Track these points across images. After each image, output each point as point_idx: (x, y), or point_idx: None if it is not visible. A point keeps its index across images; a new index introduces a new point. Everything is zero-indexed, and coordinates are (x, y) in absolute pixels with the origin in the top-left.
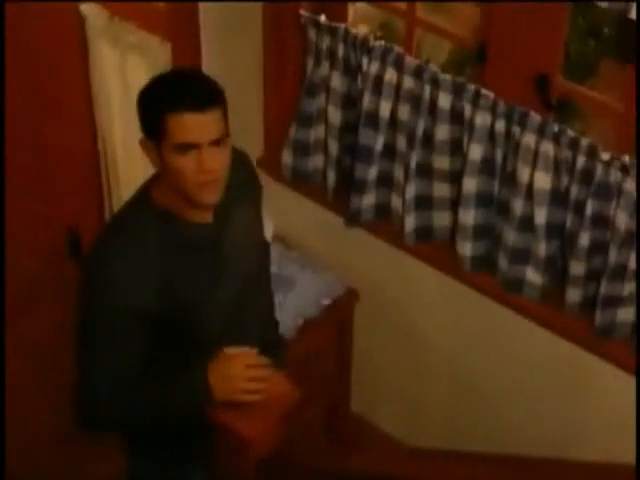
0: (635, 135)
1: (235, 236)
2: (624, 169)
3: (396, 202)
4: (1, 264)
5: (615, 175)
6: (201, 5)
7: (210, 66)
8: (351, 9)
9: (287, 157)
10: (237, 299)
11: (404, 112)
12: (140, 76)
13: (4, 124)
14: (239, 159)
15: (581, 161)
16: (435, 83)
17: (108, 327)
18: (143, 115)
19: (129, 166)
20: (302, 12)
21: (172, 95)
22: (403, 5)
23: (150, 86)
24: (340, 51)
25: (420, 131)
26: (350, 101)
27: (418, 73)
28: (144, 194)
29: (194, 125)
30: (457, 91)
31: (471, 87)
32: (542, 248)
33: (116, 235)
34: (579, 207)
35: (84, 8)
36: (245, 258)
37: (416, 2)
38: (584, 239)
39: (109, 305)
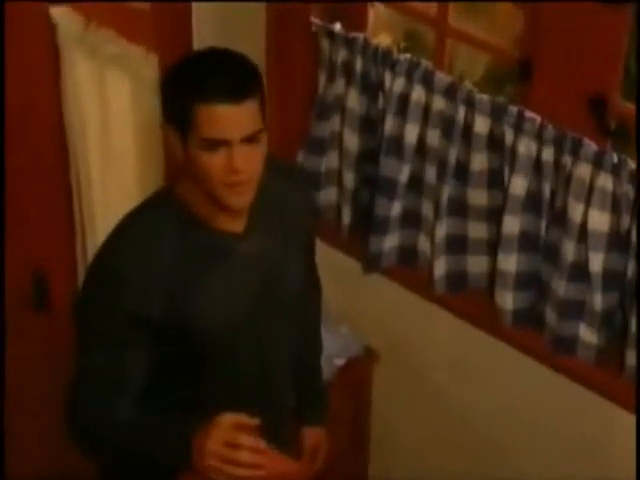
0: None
1: (268, 255)
2: None
3: (424, 244)
4: None
5: None
6: (194, 9)
7: None
8: (371, 16)
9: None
10: (258, 326)
11: (434, 138)
12: (121, 94)
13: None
14: (292, 172)
15: None
16: (470, 104)
17: (106, 329)
18: (168, 100)
19: (107, 202)
20: (313, 20)
21: (204, 82)
22: (432, 10)
23: (179, 67)
24: (358, 65)
25: (452, 160)
26: (369, 124)
27: (450, 92)
28: (167, 190)
29: (226, 119)
30: (496, 113)
31: (513, 109)
32: (598, 301)
33: (129, 233)
34: None
35: (55, 13)
36: (276, 284)
37: (449, 2)
38: None
39: (110, 306)
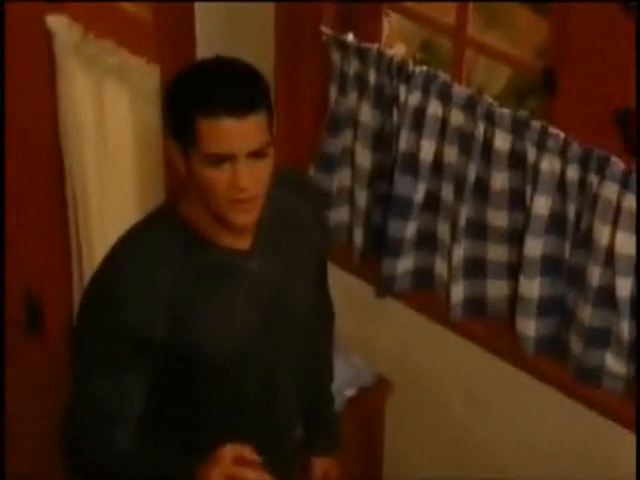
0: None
1: (276, 275)
2: None
3: (440, 267)
4: None
5: None
6: (198, 18)
7: None
8: (385, 25)
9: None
10: (265, 351)
11: (451, 154)
12: (120, 107)
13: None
14: (306, 186)
15: None
16: (490, 118)
17: (104, 353)
18: (170, 113)
19: (105, 222)
20: (324, 29)
21: (207, 94)
22: (450, 20)
23: (182, 78)
24: (371, 77)
25: (471, 178)
26: (383, 140)
27: (469, 106)
28: (170, 205)
29: (231, 133)
30: (518, 129)
31: (536, 124)
32: (625, 328)
33: (130, 250)
34: None
35: (51, 22)
36: (285, 306)
37: (469, 1)
38: None
39: (109, 328)
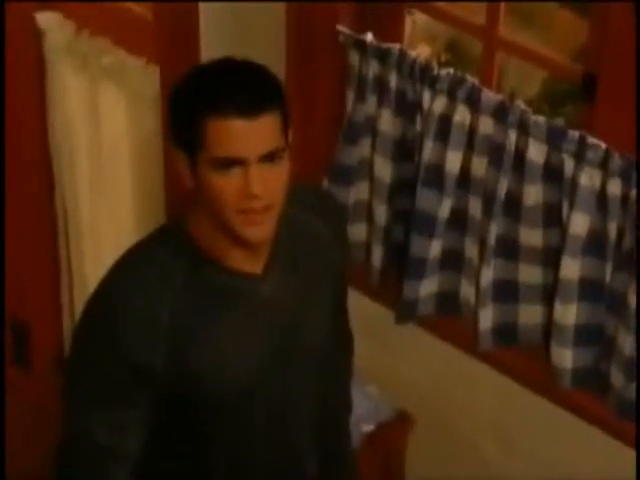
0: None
1: (290, 302)
2: None
3: (467, 290)
4: None
5: None
6: (202, 15)
7: None
8: (408, 24)
9: None
10: (276, 384)
11: (480, 166)
12: (117, 112)
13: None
14: (323, 202)
15: None
16: (523, 127)
17: (100, 385)
18: (174, 115)
19: (98, 239)
20: (341, 28)
21: (215, 92)
22: (480, 18)
23: (187, 78)
24: (392, 81)
25: (502, 193)
26: (405, 150)
27: (500, 113)
28: (174, 223)
29: (241, 134)
30: (554, 138)
31: (574, 134)
32: None
33: (129, 272)
34: None
35: (42, 19)
36: (299, 335)
37: (501, 1)
38: None
39: (106, 358)
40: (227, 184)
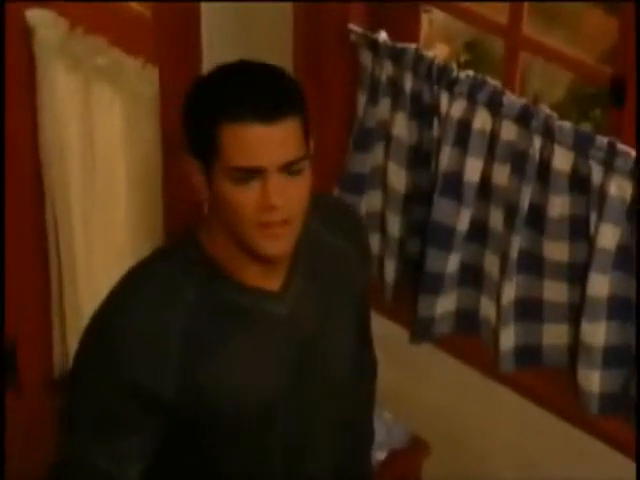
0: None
1: (310, 321)
2: None
3: (487, 308)
4: None
5: None
6: (204, 13)
7: None
8: (425, 23)
9: None
10: (293, 410)
11: (501, 175)
12: (112, 116)
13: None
14: (347, 218)
15: None
16: (548, 133)
17: (102, 410)
18: (188, 121)
19: (91, 253)
20: (352, 27)
21: (231, 97)
22: (502, 17)
23: (203, 82)
24: (408, 84)
25: (525, 204)
26: (421, 157)
27: (523, 118)
28: (187, 235)
29: (259, 142)
30: (581, 145)
31: (602, 140)
32: None
33: (137, 289)
34: None
35: (32, 15)
36: (318, 357)
37: (524, 1)
38: None
39: (108, 380)
40: (244, 195)
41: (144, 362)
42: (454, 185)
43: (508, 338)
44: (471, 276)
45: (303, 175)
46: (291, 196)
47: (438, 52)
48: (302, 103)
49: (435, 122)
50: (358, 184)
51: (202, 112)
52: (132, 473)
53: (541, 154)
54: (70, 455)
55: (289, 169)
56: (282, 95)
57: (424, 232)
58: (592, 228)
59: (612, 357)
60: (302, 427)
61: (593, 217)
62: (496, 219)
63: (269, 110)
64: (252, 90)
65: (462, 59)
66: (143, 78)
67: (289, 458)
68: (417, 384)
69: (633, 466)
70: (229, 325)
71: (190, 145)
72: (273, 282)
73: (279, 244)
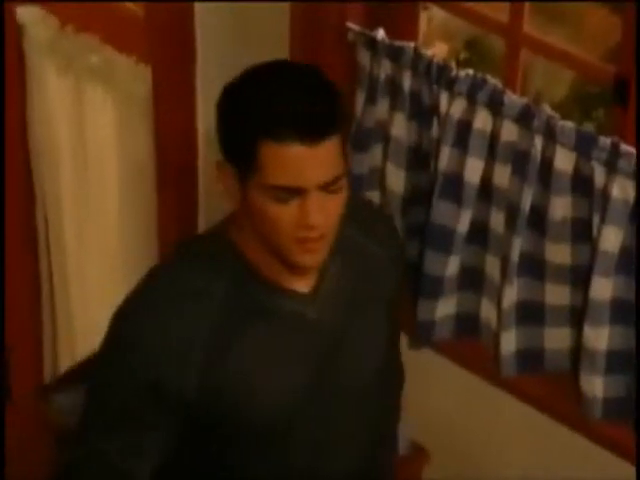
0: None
1: (338, 325)
2: None
3: (488, 312)
4: None
5: None
6: (198, 10)
7: (209, 103)
8: (423, 21)
9: None
10: (318, 414)
11: (502, 176)
12: (104, 115)
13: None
14: (382, 225)
15: None
16: (550, 133)
17: (120, 403)
18: (224, 126)
19: (83, 258)
20: (350, 25)
21: (274, 113)
22: (503, 15)
23: (242, 86)
24: (406, 83)
25: (526, 205)
26: (420, 158)
27: (524, 117)
28: (219, 231)
29: (302, 163)
30: (583, 146)
31: (605, 141)
32: None
33: (165, 282)
34: None
35: (23, 14)
36: (345, 362)
37: (525, 1)
38: None
39: (129, 376)
40: (283, 212)
41: (167, 361)
42: (454, 186)
43: (509, 342)
44: (471, 279)
45: (341, 191)
46: (329, 213)
47: (437, 51)
48: (344, 117)
49: (434, 122)
50: (356, 185)
51: (241, 124)
52: (143, 470)
53: (543, 155)
54: (84, 448)
55: (328, 187)
56: (327, 113)
57: (423, 234)
58: (595, 230)
59: (615, 362)
60: (323, 430)
61: (596, 219)
62: (497, 221)
63: (313, 131)
64: (294, 108)
65: (462, 58)
66: (136, 77)
67: (308, 461)
68: (416, 390)
69: (635, 472)
70: (256, 325)
71: (225, 152)
72: (304, 284)
73: (314, 256)
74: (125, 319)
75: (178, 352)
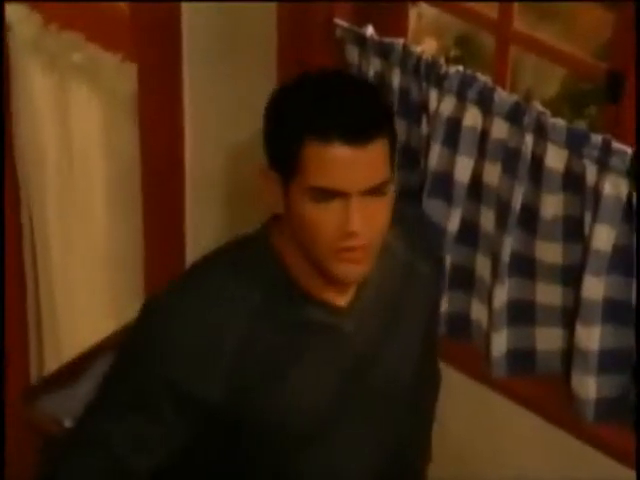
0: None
1: (374, 340)
2: None
3: (478, 312)
4: None
5: None
6: (185, 9)
7: (195, 101)
8: (413, 17)
9: None
10: (346, 428)
11: (493, 174)
12: (88, 113)
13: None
14: (426, 234)
15: None
16: (541, 131)
17: (136, 392)
18: (270, 133)
19: (68, 254)
20: (338, 22)
21: (317, 112)
22: (492, 11)
23: (288, 92)
24: (395, 80)
25: (517, 204)
26: (409, 156)
27: (515, 115)
28: (261, 236)
29: (345, 164)
30: (575, 143)
31: (597, 138)
32: None
33: (199, 286)
34: None
35: (7, 11)
36: (379, 377)
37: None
38: None
39: (151, 374)
40: (323, 217)
41: (190, 363)
42: (444, 185)
43: (500, 343)
44: (462, 279)
45: (386, 198)
46: (372, 221)
47: (427, 47)
48: (391, 125)
49: (424, 120)
50: None
51: (286, 125)
52: (141, 465)
53: (533, 152)
54: (90, 428)
55: (372, 194)
56: (371, 116)
57: None
58: (586, 229)
59: (608, 362)
60: (351, 445)
61: (587, 217)
62: (487, 220)
63: (357, 132)
64: (340, 108)
65: (451, 54)
66: (121, 75)
67: (338, 461)
68: None
69: (631, 474)
70: (291, 336)
71: (270, 156)
72: (341, 297)
73: (355, 268)
74: (156, 312)
75: (203, 356)
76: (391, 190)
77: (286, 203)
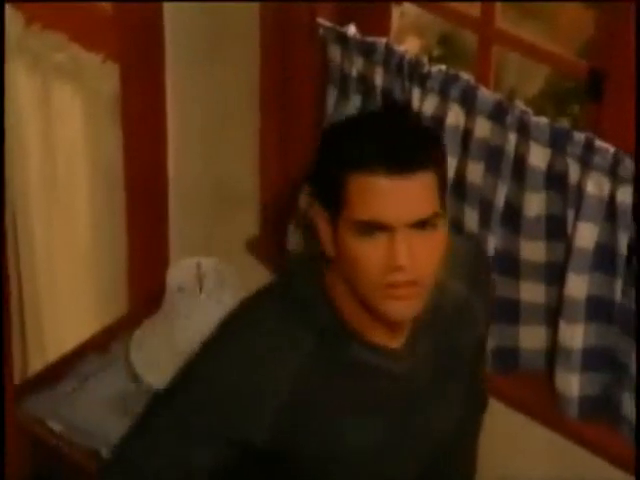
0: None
1: (425, 381)
2: None
3: None
4: None
5: None
6: (167, 7)
7: (178, 101)
8: (395, 16)
9: (295, 239)
10: (393, 466)
11: (476, 173)
12: (71, 113)
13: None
14: (480, 269)
15: None
16: (524, 129)
17: (185, 431)
18: (317, 170)
19: (52, 255)
20: (321, 21)
21: (361, 145)
22: (475, 10)
23: (335, 129)
24: (378, 79)
25: (500, 202)
26: None
27: (497, 113)
28: (314, 273)
29: (387, 196)
30: (558, 142)
31: (580, 136)
32: None
33: (248, 331)
34: None
35: None
36: (428, 418)
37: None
38: None
39: (198, 416)
40: (369, 252)
41: (241, 418)
42: None
43: None
44: None
45: (436, 232)
46: (421, 255)
47: (410, 46)
48: (440, 155)
49: None
50: None
51: (331, 160)
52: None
53: (516, 151)
54: (131, 458)
55: (420, 226)
56: (415, 147)
57: None
58: (569, 227)
59: (591, 360)
60: (399, 470)
61: (570, 215)
62: (470, 218)
63: (399, 162)
64: (383, 139)
65: (434, 53)
66: (103, 75)
67: None
68: None
69: (613, 470)
70: (345, 380)
71: (319, 194)
72: (394, 339)
73: (405, 307)
74: (209, 355)
75: (253, 410)
76: (442, 225)
77: (335, 241)
